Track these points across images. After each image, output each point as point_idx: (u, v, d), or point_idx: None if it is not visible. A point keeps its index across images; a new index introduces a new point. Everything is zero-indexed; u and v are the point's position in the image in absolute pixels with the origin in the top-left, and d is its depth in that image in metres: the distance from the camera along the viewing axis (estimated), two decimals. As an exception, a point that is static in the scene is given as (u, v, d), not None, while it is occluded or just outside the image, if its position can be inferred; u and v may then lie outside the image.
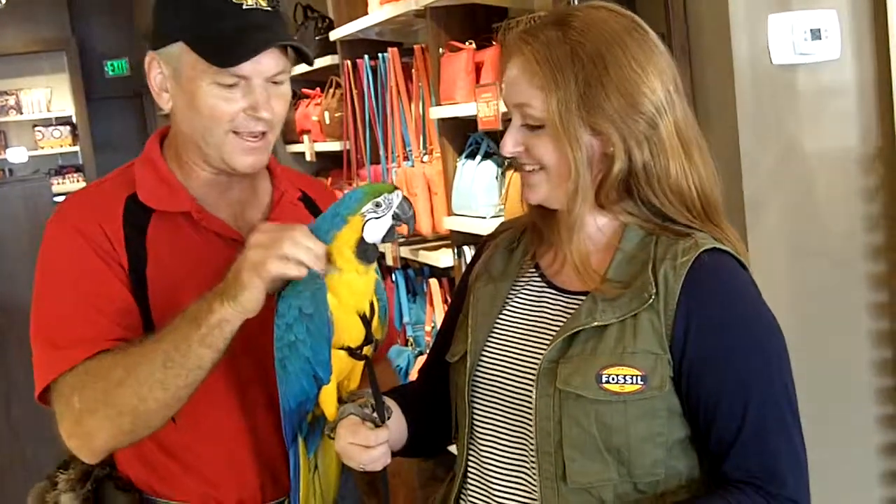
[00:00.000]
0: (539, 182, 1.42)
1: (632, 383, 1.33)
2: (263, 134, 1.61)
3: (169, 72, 1.61)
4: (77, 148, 9.33)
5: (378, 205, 1.45)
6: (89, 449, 1.57)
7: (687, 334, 1.33)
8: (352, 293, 1.46)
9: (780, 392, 1.36)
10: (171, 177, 1.66)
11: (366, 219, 1.45)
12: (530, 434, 1.39)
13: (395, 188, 1.47)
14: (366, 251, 1.45)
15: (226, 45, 1.54)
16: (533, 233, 1.53)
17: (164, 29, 1.60)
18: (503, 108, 2.73)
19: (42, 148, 9.38)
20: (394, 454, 1.49)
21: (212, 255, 1.61)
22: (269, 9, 1.58)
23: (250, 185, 1.72)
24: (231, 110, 1.57)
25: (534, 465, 1.39)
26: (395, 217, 1.46)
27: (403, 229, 1.49)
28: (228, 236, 1.64)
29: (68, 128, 9.38)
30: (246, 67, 1.55)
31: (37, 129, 9.37)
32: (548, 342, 1.39)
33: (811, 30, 2.06)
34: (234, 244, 1.62)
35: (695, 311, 1.34)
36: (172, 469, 1.65)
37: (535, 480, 1.39)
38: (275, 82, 1.59)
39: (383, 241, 1.47)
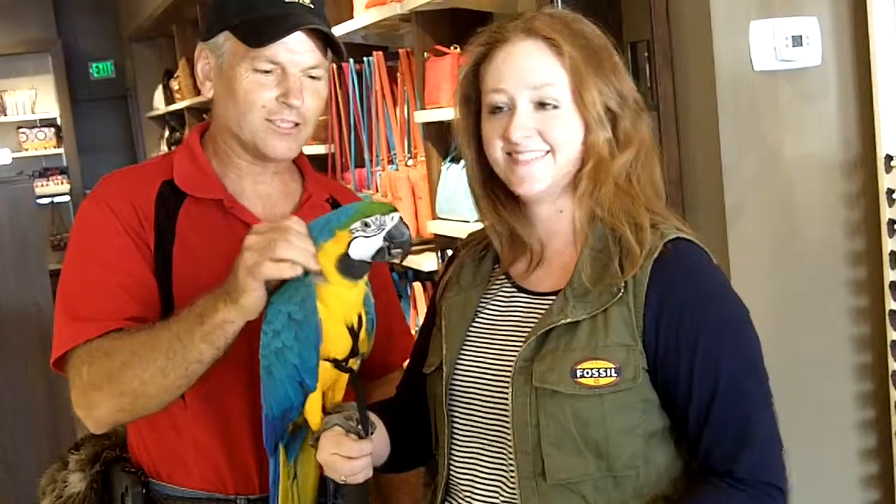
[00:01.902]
0: (544, 166, 1.44)
1: (606, 376, 1.35)
2: (296, 125, 1.68)
3: (214, 61, 1.70)
4: (62, 150, 9.28)
5: (367, 224, 1.43)
6: (92, 419, 1.64)
7: (658, 321, 1.36)
8: (340, 304, 1.46)
9: (750, 370, 1.38)
10: (207, 166, 1.74)
11: (353, 236, 1.43)
12: (508, 435, 1.40)
13: (393, 210, 1.46)
14: (350, 267, 1.44)
15: (261, 27, 1.63)
16: (500, 242, 1.53)
17: (212, 20, 1.71)
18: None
19: (26, 150, 9.33)
20: (374, 469, 1.49)
21: (238, 243, 1.62)
22: (310, 6, 1.67)
23: (281, 182, 1.79)
24: (265, 96, 1.65)
25: (512, 466, 1.39)
26: (389, 239, 1.44)
27: (398, 253, 1.47)
28: None
29: (53, 129, 9.33)
30: (281, 55, 1.63)
31: (21, 130, 9.31)
32: (521, 343, 1.41)
33: (792, 36, 2.07)
34: None
35: (663, 298, 1.36)
36: (179, 450, 1.70)
37: (514, 481, 1.39)
38: (311, 77, 1.67)
39: (373, 259, 1.45)
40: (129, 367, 1.55)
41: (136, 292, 1.64)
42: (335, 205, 1.81)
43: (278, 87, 1.65)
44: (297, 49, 1.64)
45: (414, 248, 3.56)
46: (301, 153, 1.86)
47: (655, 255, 1.38)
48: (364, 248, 1.44)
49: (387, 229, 1.44)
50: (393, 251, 1.46)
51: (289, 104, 1.65)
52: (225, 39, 1.68)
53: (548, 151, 1.43)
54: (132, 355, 1.55)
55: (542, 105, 1.42)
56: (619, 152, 1.43)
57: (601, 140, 1.42)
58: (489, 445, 1.44)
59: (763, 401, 1.38)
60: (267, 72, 1.65)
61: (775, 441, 1.38)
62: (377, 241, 1.44)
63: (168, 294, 1.66)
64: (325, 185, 1.88)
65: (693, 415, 1.37)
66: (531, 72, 1.43)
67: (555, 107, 1.42)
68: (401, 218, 1.46)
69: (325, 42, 1.68)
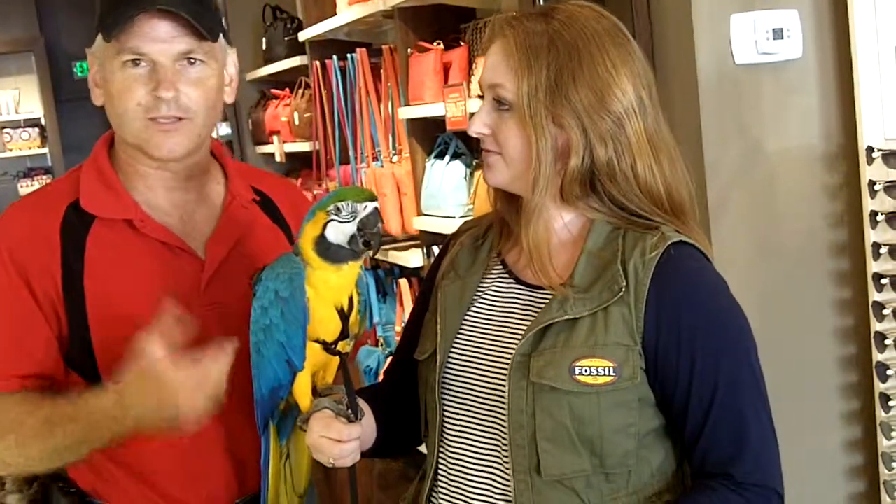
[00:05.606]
0: (496, 163, 1.44)
1: (604, 375, 1.35)
2: (179, 119, 1.56)
3: (97, 66, 1.60)
4: (46, 150, 9.24)
5: (339, 209, 1.42)
6: None
7: (658, 325, 1.36)
8: (328, 287, 1.45)
9: (748, 376, 1.39)
10: (115, 181, 1.62)
11: (328, 218, 1.43)
12: (503, 428, 1.40)
13: (371, 199, 1.44)
14: (327, 250, 1.43)
15: (112, 17, 1.53)
16: (499, 228, 1.54)
17: (94, 24, 1.59)
18: (471, 108, 2.74)
19: (10, 150, 9.27)
20: (361, 455, 1.49)
21: (154, 263, 1.58)
22: None
23: (198, 187, 1.67)
24: (139, 92, 1.54)
25: (507, 459, 1.40)
26: (361, 227, 1.43)
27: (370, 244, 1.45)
28: (173, 244, 1.61)
29: (37, 129, 9.28)
30: (145, 45, 1.53)
31: (5, 130, 9.26)
32: (519, 336, 1.41)
33: (773, 29, 2.08)
34: (179, 252, 1.59)
35: (664, 302, 1.36)
36: (119, 477, 1.62)
37: (507, 474, 1.40)
38: (191, 63, 1.55)
39: (349, 246, 1.44)
40: (10, 449, 1.51)
41: (29, 346, 1.55)
42: (264, 202, 1.74)
43: (151, 81, 1.53)
44: (161, 36, 1.52)
45: (399, 245, 3.57)
46: (220, 146, 1.75)
47: (658, 257, 1.38)
48: (338, 232, 1.43)
49: (359, 217, 1.43)
50: (363, 240, 1.44)
51: (158, 96, 1.53)
52: (99, 41, 1.58)
53: (498, 152, 1.43)
54: (15, 444, 1.51)
55: (498, 103, 1.43)
56: (594, 152, 1.39)
57: (547, 147, 1.39)
58: (482, 437, 1.44)
59: (760, 405, 1.39)
60: (137, 64, 1.53)
61: (772, 445, 1.39)
62: (351, 227, 1.43)
63: (83, 326, 1.56)
64: (253, 181, 1.76)
65: (690, 418, 1.37)
66: (491, 71, 1.43)
67: (508, 109, 1.41)
68: (376, 209, 1.44)
69: (208, 24, 1.55)
